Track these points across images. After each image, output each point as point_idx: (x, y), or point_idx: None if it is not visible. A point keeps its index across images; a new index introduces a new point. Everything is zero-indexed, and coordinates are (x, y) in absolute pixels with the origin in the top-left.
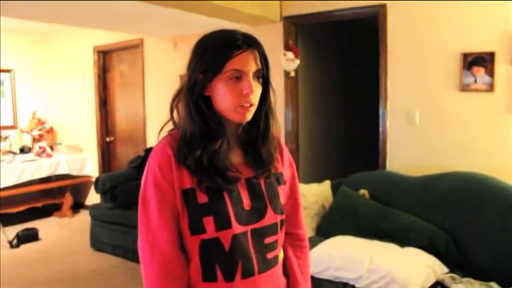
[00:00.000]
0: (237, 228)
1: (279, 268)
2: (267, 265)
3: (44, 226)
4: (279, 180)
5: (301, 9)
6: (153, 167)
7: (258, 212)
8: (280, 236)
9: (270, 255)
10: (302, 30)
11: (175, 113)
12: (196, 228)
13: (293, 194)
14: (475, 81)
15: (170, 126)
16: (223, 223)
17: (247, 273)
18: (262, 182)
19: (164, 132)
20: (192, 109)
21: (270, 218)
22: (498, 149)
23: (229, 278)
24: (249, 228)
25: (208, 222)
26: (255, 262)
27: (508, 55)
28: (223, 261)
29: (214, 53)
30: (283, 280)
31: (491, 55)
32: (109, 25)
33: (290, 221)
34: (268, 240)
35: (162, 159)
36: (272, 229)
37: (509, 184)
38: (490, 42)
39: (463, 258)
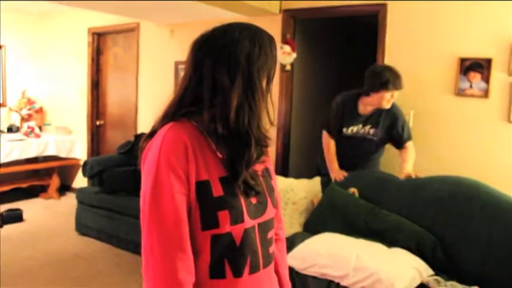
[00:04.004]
0: (248, 222)
1: (273, 263)
2: (269, 260)
3: (29, 207)
4: (270, 174)
5: (301, 3)
6: (166, 155)
7: (261, 206)
8: (275, 230)
9: (271, 250)
10: (300, 24)
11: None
12: (210, 222)
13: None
14: (471, 86)
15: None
16: (237, 217)
17: (254, 268)
18: (260, 175)
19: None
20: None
21: (270, 212)
22: (489, 155)
23: (237, 273)
24: (256, 222)
25: (223, 216)
26: (260, 256)
27: (505, 63)
28: (234, 256)
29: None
30: (275, 276)
31: (488, 62)
32: (105, 7)
33: None
34: (269, 235)
35: (178, 148)
36: (272, 223)
37: (497, 190)
38: (487, 49)
39: (450, 262)
